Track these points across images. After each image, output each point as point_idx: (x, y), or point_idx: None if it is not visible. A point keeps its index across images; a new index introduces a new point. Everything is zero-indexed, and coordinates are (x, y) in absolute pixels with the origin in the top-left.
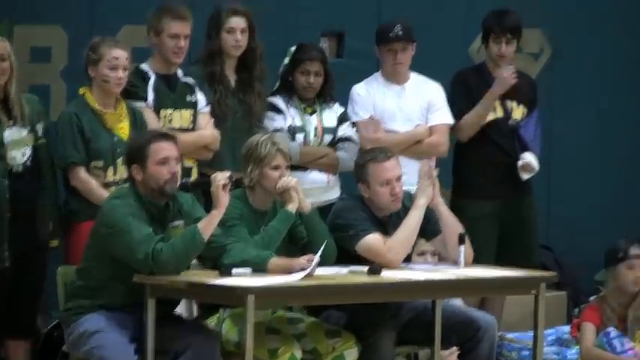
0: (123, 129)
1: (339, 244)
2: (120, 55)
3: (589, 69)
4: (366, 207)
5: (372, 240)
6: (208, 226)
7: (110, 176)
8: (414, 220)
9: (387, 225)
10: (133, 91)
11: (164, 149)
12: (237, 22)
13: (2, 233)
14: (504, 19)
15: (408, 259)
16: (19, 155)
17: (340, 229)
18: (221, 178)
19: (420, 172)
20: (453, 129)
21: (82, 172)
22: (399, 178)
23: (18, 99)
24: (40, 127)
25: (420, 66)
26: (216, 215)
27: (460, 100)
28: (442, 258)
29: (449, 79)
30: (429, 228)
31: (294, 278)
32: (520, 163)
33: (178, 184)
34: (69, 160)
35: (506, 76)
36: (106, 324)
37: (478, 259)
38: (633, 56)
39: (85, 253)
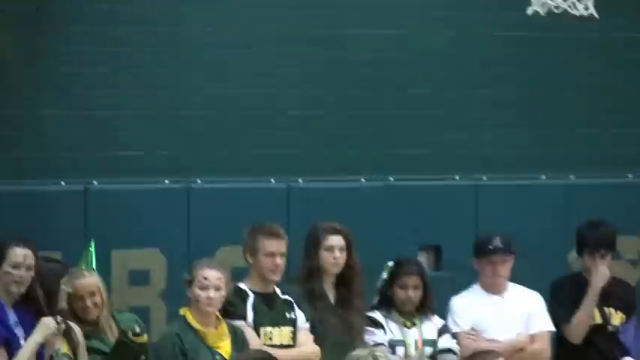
0: (224, 347)
1: None
2: (210, 275)
3: None
4: None
5: None
6: None
7: None
8: None
9: None
10: (232, 310)
11: None
12: (336, 241)
13: None
14: (598, 232)
15: None
16: None
17: None
18: None
19: None
20: (563, 333)
21: None
22: None
23: (109, 326)
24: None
25: (518, 276)
26: None
27: (564, 305)
28: None
29: (545, 288)
30: None
31: None
32: None
33: None
34: None
35: (604, 268)
36: None
37: None
38: None
39: None
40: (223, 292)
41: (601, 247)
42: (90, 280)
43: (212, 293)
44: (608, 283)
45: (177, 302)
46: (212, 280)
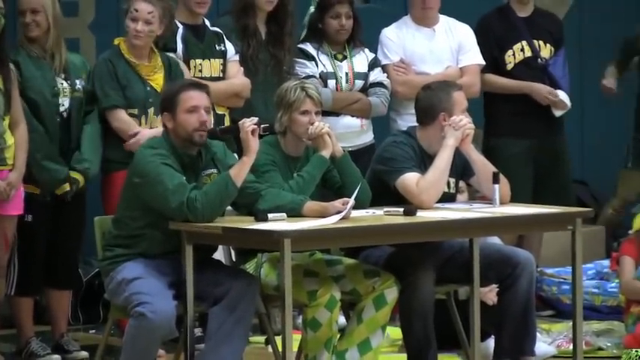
0: (157, 80)
1: (381, 177)
2: (141, 8)
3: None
4: (418, 143)
5: (408, 179)
6: (240, 172)
7: (142, 125)
8: (443, 160)
9: None
10: (162, 42)
11: (193, 98)
12: None
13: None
14: None
15: (453, 199)
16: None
17: (384, 163)
18: (249, 124)
19: (451, 119)
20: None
21: (123, 114)
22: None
23: (58, 51)
24: (78, 82)
25: (447, 8)
26: (247, 162)
27: (484, 52)
28: (483, 197)
29: (476, 20)
30: (468, 169)
31: (329, 221)
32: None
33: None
34: (110, 103)
35: (547, 91)
36: (145, 271)
37: (514, 199)
38: None
39: (119, 202)
40: (154, 27)
41: None
42: None
43: (140, 26)
44: (535, 14)
45: (106, 33)
46: (142, 12)
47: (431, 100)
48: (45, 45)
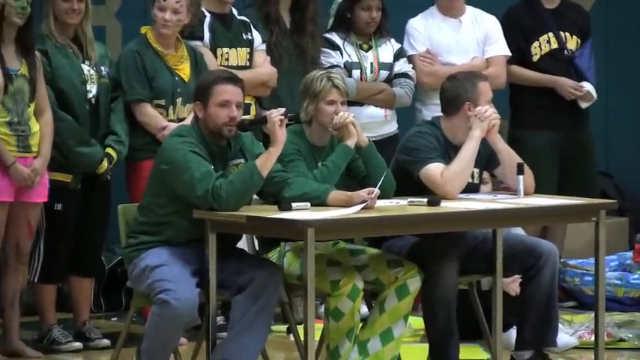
0: (184, 70)
1: (405, 167)
2: None
3: None
4: (442, 134)
5: (433, 170)
6: (266, 162)
7: (170, 115)
8: (468, 151)
9: None
10: (189, 30)
11: (227, 92)
12: None
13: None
14: None
15: (476, 190)
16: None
17: (408, 153)
18: (276, 114)
19: (477, 110)
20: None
21: (149, 108)
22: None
23: (91, 39)
24: (103, 69)
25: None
26: (274, 152)
27: (510, 43)
28: (507, 187)
29: (502, 11)
30: (492, 159)
31: (353, 210)
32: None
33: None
34: (135, 97)
35: (571, 86)
36: (169, 258)
37: (539, 191)
38: None
39: (146, 189)
40: (182, 16)
41: None
42: None
43: (168, 15)
44: (561, 6)
45: (133, 21)
46: (170, 2)
47: (456, 90)
48: (75, 33)
